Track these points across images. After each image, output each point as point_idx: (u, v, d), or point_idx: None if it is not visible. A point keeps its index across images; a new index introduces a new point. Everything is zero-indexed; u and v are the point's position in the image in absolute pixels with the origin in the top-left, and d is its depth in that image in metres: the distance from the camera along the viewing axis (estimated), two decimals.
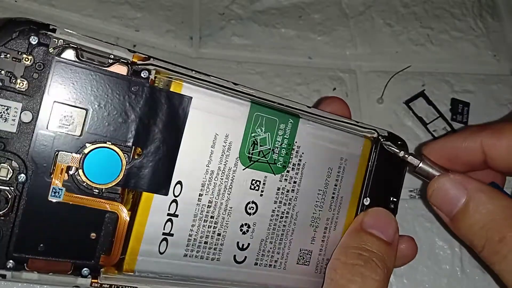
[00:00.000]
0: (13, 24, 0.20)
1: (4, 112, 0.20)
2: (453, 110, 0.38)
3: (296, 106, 0.26)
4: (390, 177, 0.28)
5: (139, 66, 0.22)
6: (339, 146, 0.27)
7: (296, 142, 0.26)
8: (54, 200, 0.21)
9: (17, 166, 0.20)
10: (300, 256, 0.26)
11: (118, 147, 0.22)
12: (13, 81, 0.20)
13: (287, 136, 0.25)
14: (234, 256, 0.25)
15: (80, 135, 0.21)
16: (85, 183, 0.21)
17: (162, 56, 0.36)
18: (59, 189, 0.21)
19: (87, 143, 0.21)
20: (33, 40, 0.20)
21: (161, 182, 0.22)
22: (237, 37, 0.38)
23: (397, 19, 0.41)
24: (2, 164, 0.20)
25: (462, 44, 0.41)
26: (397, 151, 0.28)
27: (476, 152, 0.28)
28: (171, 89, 0.23)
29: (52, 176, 0.21)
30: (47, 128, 0.21)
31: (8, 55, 0.20)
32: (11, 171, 0.20)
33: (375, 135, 0.28)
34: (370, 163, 0.28)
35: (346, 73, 0.38)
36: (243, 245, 0.25)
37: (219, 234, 0.24)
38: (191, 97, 0.23)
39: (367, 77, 0.39)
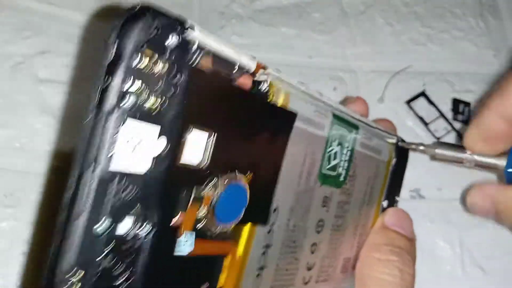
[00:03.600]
0: (152, 17, 0.14)
1: (137, 144, 0.14)
2: (454, 110, 0.38)
3: (354, 115, 0.24)
4: (397, 179, 0.30)
5: (260, 77, 0.18)
6: (375, 154, 0.27)
7: (354, 153, 0.25)
8: (181, 253, 0.16)
9: (141, 214, 0.15)
10: (343, 265, 0.26)
11: (244, 177, 0.18)
12: (148, 97, 0.14)
13: (350, 148, 0.24)
14: (303, 277, 0.23)
15: (208, 165, 0.16)
16: (203, 226, 0.17)
17: None
18: (190, 236, 0.16)
19: (215, 174, 0.17)
20: (173, 41, 0.14)
21: (263, 211, 0.19)
22: (237, 37, 0.37)
23: (397, 19, 0.41)
24: (125, 218, 0.14)
25: (463, 43, 0.41)
26: (415, 147, 0.29)
27: (502, 125, 0.28)
28: (280, 104, 0.19)
29: (180, 223, 0.16)
30: (178, 160, 0.15)
31: (145, 61, 0.14)
32: (136, 222, 0.15)
33: (395, 140, 0.29)
34: (390, 168, 0.29)
35: (346, 73, 0.38)
36: (310, 265, 0.24)
37: (296, 258, 0.22)
38: (296, 113, 0.20)
39: (367, 76, 0.39)
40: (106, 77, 0.13)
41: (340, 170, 0.24)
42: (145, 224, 0.15)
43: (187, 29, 0.15)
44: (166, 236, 0.16)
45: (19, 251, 0.29)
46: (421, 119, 0.38)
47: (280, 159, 0.20)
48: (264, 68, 0.18)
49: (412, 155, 0.37)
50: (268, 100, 0.19)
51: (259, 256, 0.20)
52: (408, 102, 0.38)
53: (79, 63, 0.33)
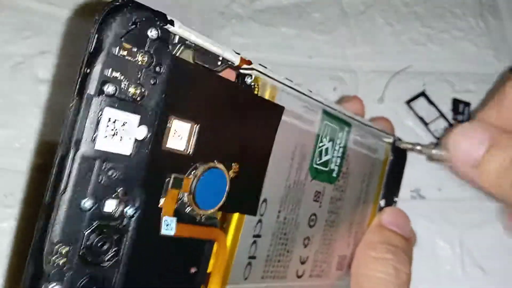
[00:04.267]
0: (131, 11, 0.15)
1: (119, 129, 0.15)
2: (454, 110, 0.38)
3: (347, 113, 0.25)
4: (394, 178, 0.29)
5: (244, 71, 0.19)
6: (370, 152, 0.27)
7: (348, 150, 0.25)
8: (166, 234, 0.17)
9: (126, 196, 0.16)
10: (338, 262, 0.27)
11: (224, 166, 0.18)
12: (128, 86, 0.15)
13: (342, 145, 0.25)
14: (297, 271, 0.24)
15: (191, 154, 0.17)
16: (190, 210, 0.18)
17: None
18: (172, 220, 0.17)
19: (198, 163, 0.17)
20: (153, 34, 0.15)
21: (251, 202, 0.20)
22: (237, 36, 0.37)
23: (397, 19, 0.41)
24: (111, 197, 0.15)
25: (463, 43, 0.41)
26: (412, 146, 0.29)
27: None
28: (266, 97, 0.20)
29: (163, 205, 0.17)
30: (161, 147, 0.16)
31: (124, 51, 0.15)
32: (120, 204, 0.16)
33: (391, 140, 0.29)
34: (387, 167, 0.28)
35: (346, 73, 0.38)
36: (304, 259, 0.24)
37: (288, 251, 0.23)
38: (283, 107, 0.20)
39: (367, 76, 0.39)
40: (87, 66, 0.14)
41: (332, 166, 0.24)
42: (130, 204, 0.16)
43: (167, 23, 0.16)
44: (152, 217, 0.16)
45: None
46: (421, 119, 0.38)
47: (268, 151, 0.20)
48: (249, 62, 0.19)
49: (412, 155, 0.37)
50: (254, 93, 0.19)
51: (249, 246, 0.20)
52: (408, 102, 0.38)
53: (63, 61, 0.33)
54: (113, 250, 0.16)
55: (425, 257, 0.35)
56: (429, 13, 0.41)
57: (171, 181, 0.17)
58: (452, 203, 0.36)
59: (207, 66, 0.18)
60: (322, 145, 0.23)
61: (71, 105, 0.14)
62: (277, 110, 0.20)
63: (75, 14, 0.34)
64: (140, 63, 0.15)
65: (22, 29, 0.33)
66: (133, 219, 0.16)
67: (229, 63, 0.18)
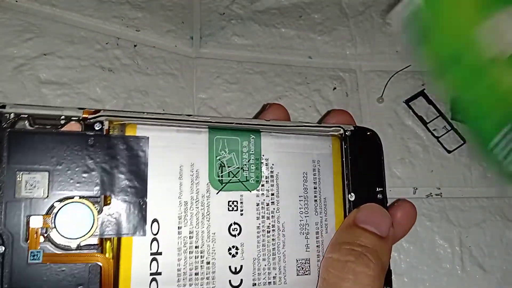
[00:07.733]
0: None
1: None
2: (453, 109, 0.38)
3: (254, 122, 0.26)
4: (369, 168, 0.28)
5: (91, 120, 0.23)
6: (307, 150, 0.27)
7: (263, 155, 0.26)
8: (34, 263, 0.21)
9: None
10: (299, 267, 0.26)
11: (86, 199, 0.22)
12: None
13: (252, 152, 0.26)
14: (230, 281, 0.24)
15: (47, 196, 0.22)
16: (61, 241, 0.22)
17: (163, 56, 0.36)
18: (37, 252, 0.21)
19: (55, 202, 0.22)
20: None
21: (136, 224, 0.23)
22: (237, 37, 0.38)
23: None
24: None
25: None
26: None
27: None
28: (126, 133, 0.24)
29: (28, 241, 0.22)
30: (14, 196, 0.22)
31: None
32: None
33: (341, 131, 0.28)
34: (343, 160, 0.28)
35: (346, 73, 0.39)
36: (236, 268, 0.24)
37: (208, 263, 0.24)
38: (148, 137, 0.24)
39: (367, 76, 0.39)
40: None
41: (246, 174, 0.25)
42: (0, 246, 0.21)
43: (0, 108, 0.21)
44: (20, 251, 0.21)
45: None
46: (421, 118, 0.38)
47: (143, 178, 0.23)
48: (95, 112, 0.23)
49: (411, 153, 0.37)
50: (110, 134, 0.23)
51: (148, 263, 0.23)
52: (408, 101, 0.38)
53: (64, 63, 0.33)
54: None
55: (425, 256, 0.35)
56: None
57: (29, 221, 0.21)
58: (452, 201, 0.37)
59: (49, 125, 0.22)
60: (221, 158, 0.25)
61: None
62: (141, 141, 0.24)
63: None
64: None
65: (24, 31, 0.33)
66: (5, 255, 0.21)
67: (71, 118, 0.22)
